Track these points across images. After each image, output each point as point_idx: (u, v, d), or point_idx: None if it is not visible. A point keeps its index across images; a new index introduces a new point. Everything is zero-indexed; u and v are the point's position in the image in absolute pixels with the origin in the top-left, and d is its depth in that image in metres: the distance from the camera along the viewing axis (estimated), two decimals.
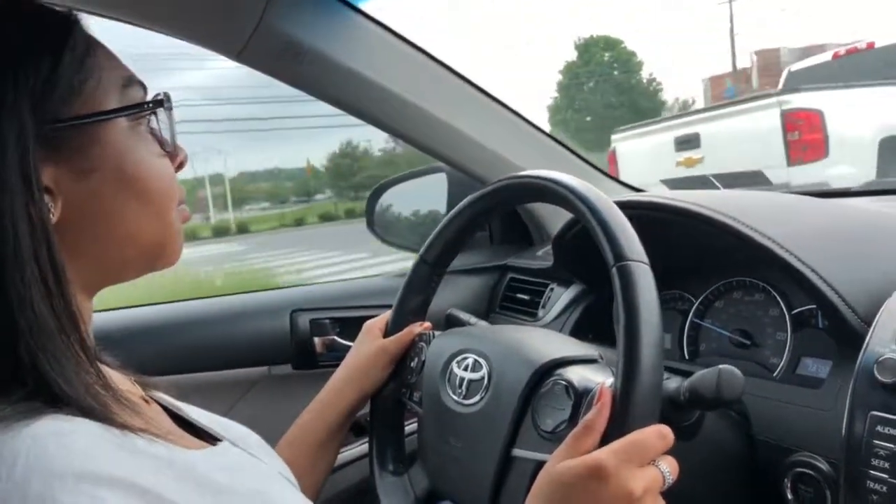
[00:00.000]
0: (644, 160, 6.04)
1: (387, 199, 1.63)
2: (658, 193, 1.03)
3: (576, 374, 0.71)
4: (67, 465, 0.42)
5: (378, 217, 1.61)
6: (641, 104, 33.19)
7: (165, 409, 0.65)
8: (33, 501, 0.40)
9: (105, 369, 0.55)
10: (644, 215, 0.90)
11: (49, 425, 0.44)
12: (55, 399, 0.46)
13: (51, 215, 0.50)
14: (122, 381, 0.61)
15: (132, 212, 0.56)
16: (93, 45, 0.55)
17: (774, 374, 0.90)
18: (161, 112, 0.59)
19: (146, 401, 0.62)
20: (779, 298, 0.94)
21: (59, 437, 0.44)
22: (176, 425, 0.62)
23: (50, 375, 0.47)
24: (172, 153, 0.60)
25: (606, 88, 34.27)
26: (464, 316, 1.00)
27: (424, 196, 1.64)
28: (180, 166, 0.62)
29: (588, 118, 34.21)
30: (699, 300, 1.05)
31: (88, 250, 0.54)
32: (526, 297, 1.31)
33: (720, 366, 0.63)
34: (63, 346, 0.48)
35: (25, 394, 0.46)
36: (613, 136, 6.58)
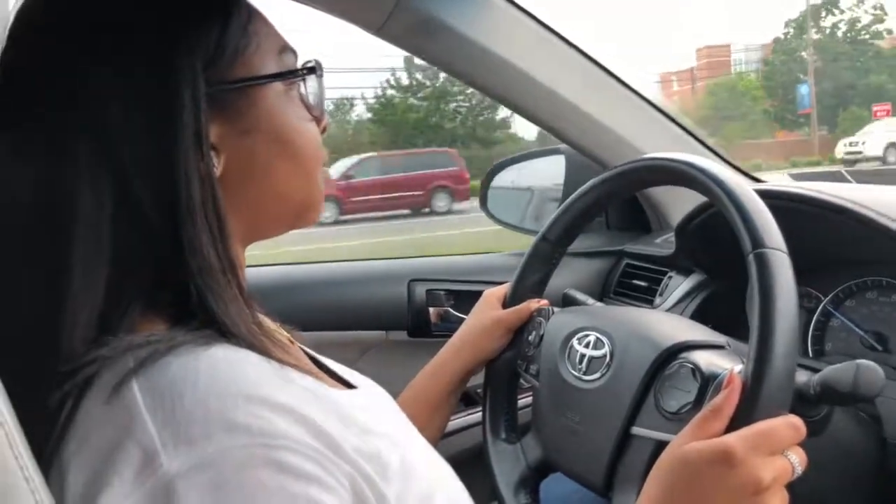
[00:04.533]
0: None
1: (502, 178, 1.64)
2: (793, 184, 0.99)
3: (703, 359, 0.70)
4: (239, 388, 0.47)
5: (492, 196, 1.63)
6: None
7: (305, 353, 0.70)
8: (213, 416, 0.45)
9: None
10: (778, 205, 0.87)
11: (222, 352, 0.49)
12: (223, 332, 0.51)
13: (215, 170, 0.55)
14: (269, 324, 0.66)
15: (283, 170, 0.60)
16: (253, 13, 0.59)
17: None
18: (310, 78, 0.62)
19: (291, 342, 0.68)
20: None
21: (230, 363, 0.49)
22: (316, 368, 0.66)
23: (217, 312, 0.52)
24: (319, 118, 0.64)
25: None
26: (581, 297, 1.01)
27: (541, 178, 1.65)
28: (323, 131, 0.65)
29: None
30: (828, 297, 1.01)
31: (242, 204, 0.58)
32: (643, 283, 1.30)
33: (858, 360, 0.61)
34: (226, 287, 0.53)
35: (197, 325, 0.51)
36: None
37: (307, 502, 0.45)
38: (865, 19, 32.77)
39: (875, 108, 26.15)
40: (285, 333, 0.68)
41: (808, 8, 31.52)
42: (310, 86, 0.63)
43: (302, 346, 0.71)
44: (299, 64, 0.63)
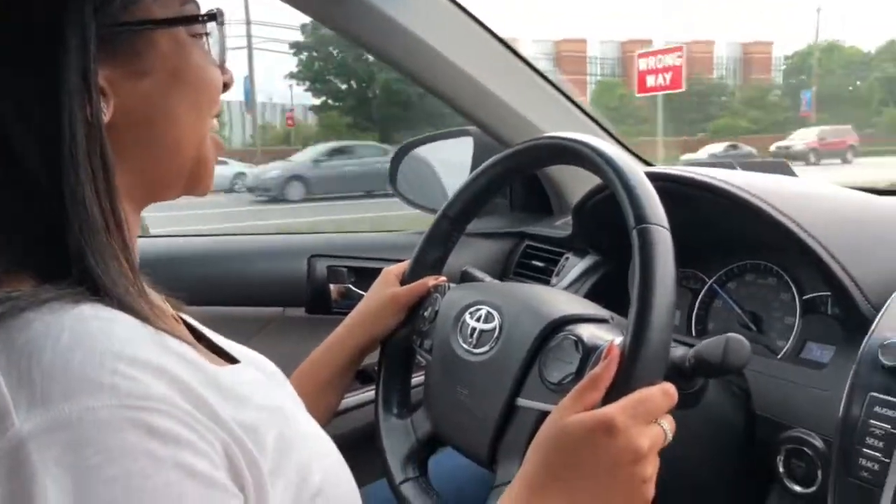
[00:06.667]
0: None
1: (411, 159, 1.64)
2: (683, 168, 1.03)
3: (586, 331, 0.72)
4: (108, 346, 0.44)
5: (401, 176, 1.62)
6: None
7: (190, 328, 0.67)
8: (75, 374, 0.42)
9: None
10: (666, 188, 0.91)
11: (92, 310, 0.47)
12: (98, 291, 0.48)
13: (103, 115, 0.51)
14: (154, 295, 0.63)
15: (178, 115, 0.57)
16: None
17: (779, 356, 0.92)
18: (214, 28, 0.60)
19: (175, 319, 0.65)
20: (791, 283, 0.95)
21: (101, 320, 0.46)
22: (200, 345, 0.64)
23: (94, 270, 0.48)
24: (221, 68, 0.62)
25: None
26: (479, 274, 1.02)
27: (449, 158, 1.65)
28: (226, 86, 0.63)
29: None
30: (711, 280, 1.06)
31: (133, 156, 0.55)
32: (541, 264, 1.33)
33: (728, 334, 0.64)
34: (107, 245, 0.50)
35: (70, 283, 0.48)
36: None
37: (175, 466, 0.43)
38: None
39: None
40: (170, 309, 0.65)
41: None
42: (212, 35, 0.60)
43: (184, 317, 0.68)
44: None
